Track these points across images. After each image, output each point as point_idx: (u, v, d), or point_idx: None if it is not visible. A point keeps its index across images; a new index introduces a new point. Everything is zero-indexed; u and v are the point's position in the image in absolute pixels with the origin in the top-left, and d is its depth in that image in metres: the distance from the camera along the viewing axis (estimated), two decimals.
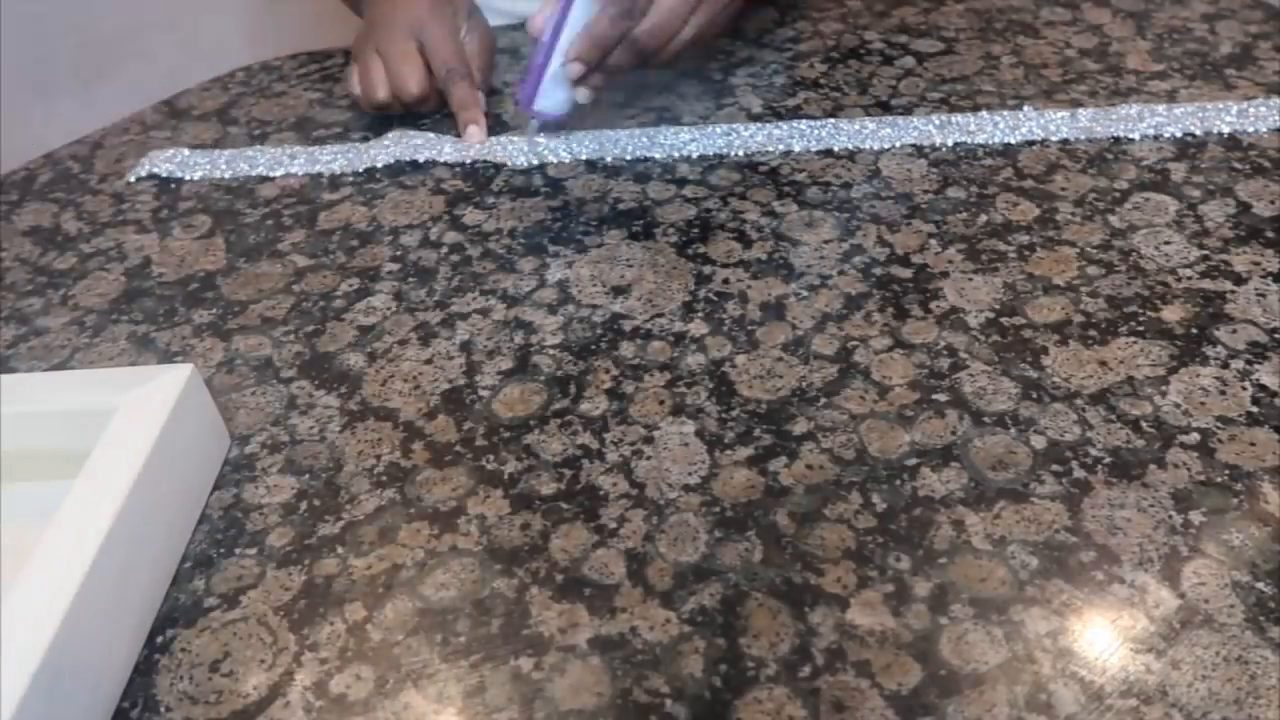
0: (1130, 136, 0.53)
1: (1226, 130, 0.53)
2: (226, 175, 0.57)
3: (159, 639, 0.33)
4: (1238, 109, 0.54)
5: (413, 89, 0.59)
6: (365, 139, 0.59)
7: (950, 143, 0.54)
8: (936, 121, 0.55)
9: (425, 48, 0.59)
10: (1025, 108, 0.56)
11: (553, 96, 0.54)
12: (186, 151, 0.59)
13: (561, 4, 0.52)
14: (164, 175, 0.57)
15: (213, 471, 0.39)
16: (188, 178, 0.57)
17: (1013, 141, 0.54)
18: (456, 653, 0.32)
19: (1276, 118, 0.53)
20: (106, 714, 0.31)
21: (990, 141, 0.54)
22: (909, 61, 0.62)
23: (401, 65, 0.59)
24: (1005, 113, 0.55)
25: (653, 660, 0.31)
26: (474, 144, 0.57)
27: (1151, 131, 0.53)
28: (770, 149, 0.54)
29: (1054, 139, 0.53)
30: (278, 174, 0.57)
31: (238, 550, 0.36)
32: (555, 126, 0.57)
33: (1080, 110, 0.55)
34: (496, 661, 0.32)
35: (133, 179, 0.57)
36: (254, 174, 0.57)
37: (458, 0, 0.61)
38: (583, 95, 0.54)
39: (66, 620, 0.29)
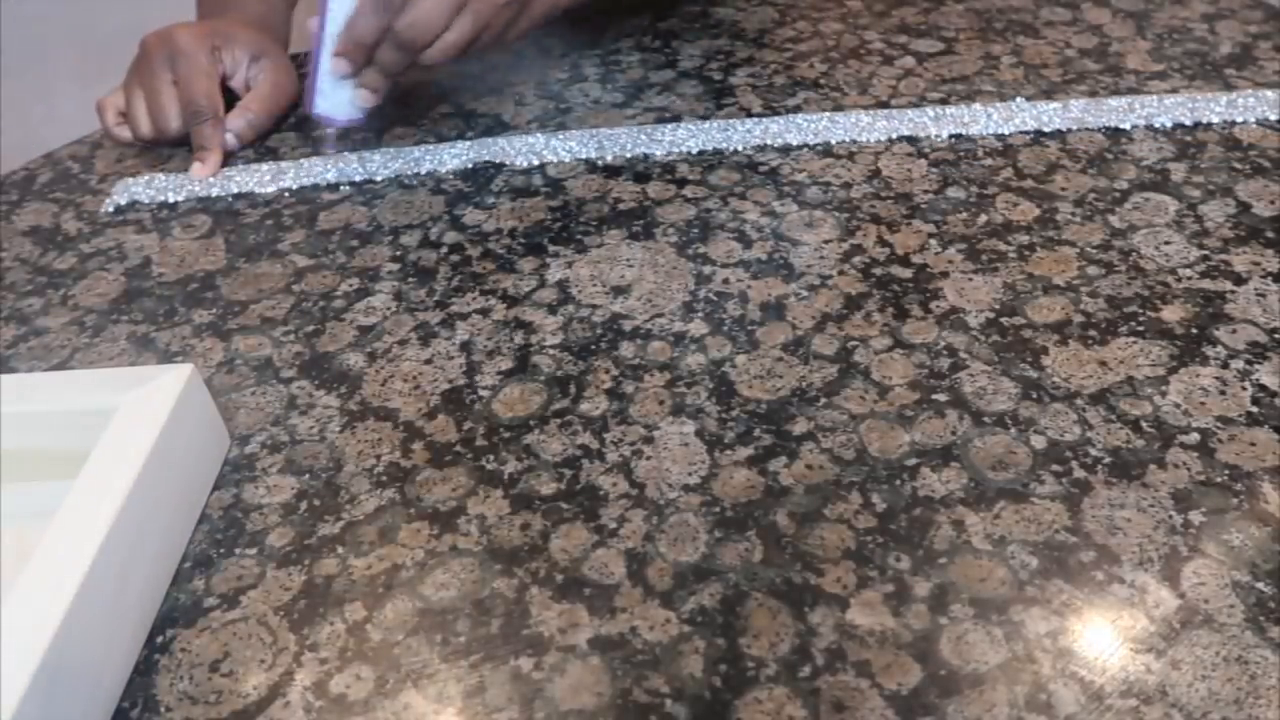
0: (1122, 127, 0.53)
1: (1215, 120, 0.53)
2: (214, 194, 0.56)
3: (159, 639, 0.33)
4: (1226, 100, 0.54)
5: (173, 126, 0.58)
6: (366, 139, 0.59)
7: (945, 134, 0.54)
8: (931, 114, 0.56)
9: (178, 83, 0.58)
10: (1018, 99, 0.56)
11: (333, 98, 0.54)
12: (162, 177, 0.57)
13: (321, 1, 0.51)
14: (145, 201, 0.56)
15: (213, 471, 0.39)
16: (170, 199, 0.56)
17: (1006, 132, 0.54)
18: (456, 653, 0.32)
19: (1265, 109, 0.54)
20: (106, 714, 0.31)
21: (984, 133, 0.54)
22: (909, 61, 0.62)
23: (161, 100, 0.58)
24: (999, 104, 0.56)
25: (653, 660, 0.31)
26: (195, 178, 0.56)
27: (1142, 122, 0.53)
28: (768, 143, 0.55)
29: (1046, 129, 0.54)
30: (270, 190, 0.56)
31: (238, 550, 0.36)
32: (348, 133, 0.56)
33: (1072, 101, 0.56)
34: (496, 661, 0.32)
35: (110, 208, 0.56)
36: (241, 191, 0.56)
37: (236, 37, 0.60)
38: (363, 97, 0.54)
39: (66, 620, 0.29)
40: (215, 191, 0.56)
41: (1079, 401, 0.39)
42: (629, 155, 0.55)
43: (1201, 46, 0.61)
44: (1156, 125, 0.53)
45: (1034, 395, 0.39)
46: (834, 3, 0.70)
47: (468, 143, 0.57)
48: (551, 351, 0.43)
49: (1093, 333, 0.42)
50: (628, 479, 0.37)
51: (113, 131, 0.61)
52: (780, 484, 0.36)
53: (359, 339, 0.45)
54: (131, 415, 0.35)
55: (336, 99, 0.54)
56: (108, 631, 0.31)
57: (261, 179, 0.56)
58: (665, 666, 0.31)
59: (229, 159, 0.59)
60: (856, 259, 0.47)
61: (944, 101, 0.57)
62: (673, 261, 0.48)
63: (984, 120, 0.55)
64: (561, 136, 0.57)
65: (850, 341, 0.42)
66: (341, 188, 0.55)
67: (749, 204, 0.51)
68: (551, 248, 0.49)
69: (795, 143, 0.55)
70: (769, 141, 0.55)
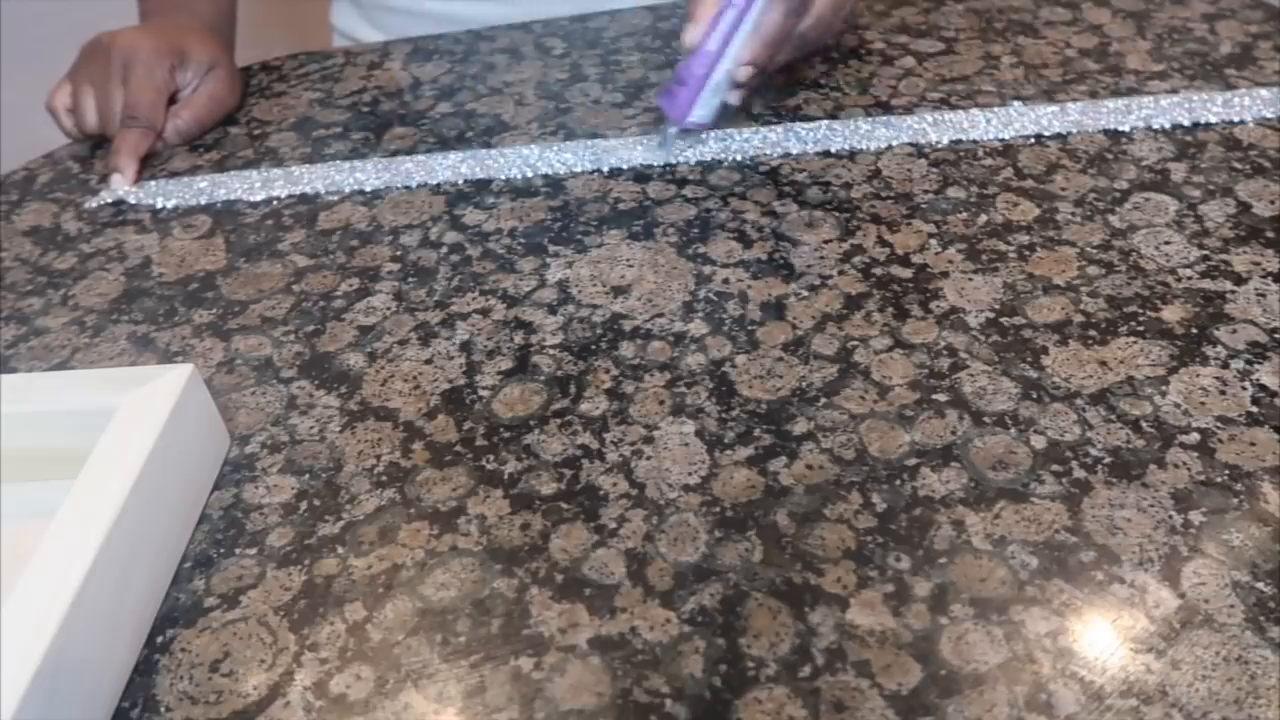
0: (1120, 129, 0.53)
1: (1213, 119, 0.53)
2: (202, 201, 0.55)
3: (159, 639, 0.33)
4: (1223, 99, 0.54)
5: (116, 128, 0.59)
6: (366, 139, 0.59)
7: (945, 140, 0.54)
8: (930, 119, 0.56)
9: (127, 87, 0.59)
10: (1014, 103, 0.56)
11: (708, 106, 0.54)
12: (153, 183, 0.57)
13: (739, 11, 0.51)
14: (132, 202, 0.56)
15: (213, 471, 0.39)
16: (159, 205, 0.55)
17: (1005, 137, 0.54)
18: (456, 653, 0.32)
19: (1261, 108, 0.54)
20: (106, 714, 0.31)
21: (984, 137, 0.54)
22: (909, 61, 0.62)
23: (110, 99, 0.59)
24: (997, 108, 0.56)
25: (653, 660, 0.31)
26: (116, 190, 0.56)
27: (1140, 123, 0.53)
28: (767, 152, 0.54)
29: (1046, 133, 0.54)
30: (258, 197, 0.55)
31: (238, 550, 0.36)
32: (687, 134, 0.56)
33: (1069, 104, 0.56)
34: (496, 661, 0.32)
35: (95, 205, 0.56)
36: (230, 198, 0.56)
37: (193, 52, 0.61)
38: (735, 98, 0.54)
39: (66, 620, 0.29)
40: (203, 200, 0.55)
41: (1079, 401, 0.39)
42: (625, 166, 0.55)
43: (1201, 46, 0.61)
44: (1155, 126, 0.53)
45: (1034, 395, 0.39)
46: None
47: (459, 154, 0.57)
48: (551, 351, 0.43)
49: (1093, 333, 0.42)
50: (628, 479, 0.37)
51: (66, 129, 0.62)
52: (780, 484, 0.36)
53: (359, 339, 0.45)
54: (131, 415, 0.35)
55: (710, 106, 0.54)
56: (108, 631, 0.31)
57: (250, 187, 0.56)
58: (665, 666, 0.31)
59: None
60: (856, 259, 0.47)
61: (944, 101, 0.57)
62: (673, 261, 0.48)
63: (983, 125, 0.54)
64: (555, 149, 0.56)
65: (850, 341, 0.42)
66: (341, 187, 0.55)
67: (749, 204, 0.51)
68: (551, 248, 0.49)
69: (795, 151, 0.54)
70: (767, 151, 0.54)
